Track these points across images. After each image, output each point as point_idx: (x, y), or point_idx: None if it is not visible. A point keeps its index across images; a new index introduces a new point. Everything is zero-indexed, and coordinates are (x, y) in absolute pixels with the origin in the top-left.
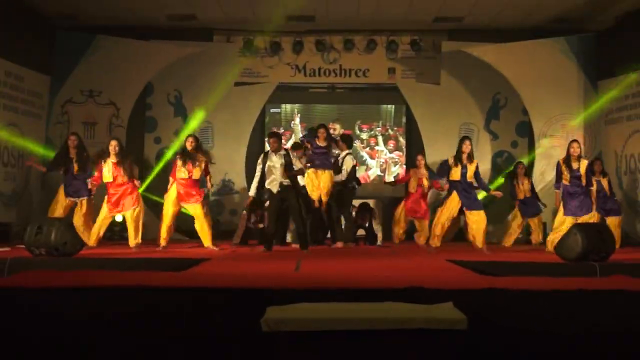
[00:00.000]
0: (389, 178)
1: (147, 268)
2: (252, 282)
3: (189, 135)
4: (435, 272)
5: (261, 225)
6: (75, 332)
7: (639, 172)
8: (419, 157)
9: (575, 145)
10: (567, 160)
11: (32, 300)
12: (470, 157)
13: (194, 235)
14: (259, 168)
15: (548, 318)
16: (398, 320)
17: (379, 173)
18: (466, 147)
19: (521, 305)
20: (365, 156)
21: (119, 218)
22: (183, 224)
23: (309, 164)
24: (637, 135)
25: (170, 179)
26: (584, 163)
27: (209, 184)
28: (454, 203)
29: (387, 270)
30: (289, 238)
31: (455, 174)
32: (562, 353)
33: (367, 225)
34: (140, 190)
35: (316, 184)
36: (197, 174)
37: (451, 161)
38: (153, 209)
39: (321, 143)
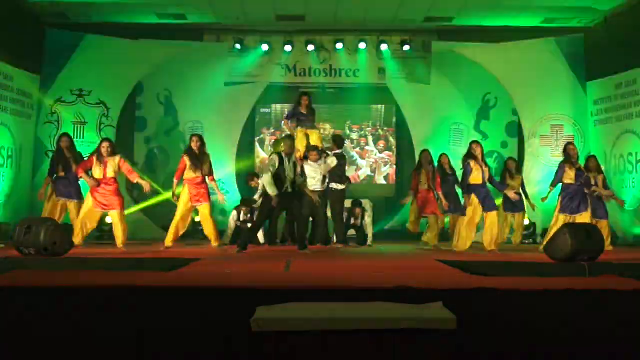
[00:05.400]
0: (380, 178)
1: (137, 268)
2: (242, 282)
3: (194, 135)
4: (424, 272)
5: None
6: (64, 331)
7: (628, 173)
8: (424, 155)
9: (573, 147)
10: (568, 160)
11: (21, 299)
12: (484, 160)
13: (183, 236)
14: (272, 169)
15: (537, 318)
16: (388, 320)
17: (369, 173)
18: (479, 149)
19: (511, 305)
20: (356, 156)
21: (109, 219)
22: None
23: (297, 126)
24: (626, 135)
25: (175, 180)
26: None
27: (219, 195)
28: (477, 209)
29: (377, 270)
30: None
31: (478, 177)
32: (551, 352)
33: (359, 221)
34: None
35: (304, 143)
36: (206, 169)
37: (472, 164)
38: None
39: (304, 111)
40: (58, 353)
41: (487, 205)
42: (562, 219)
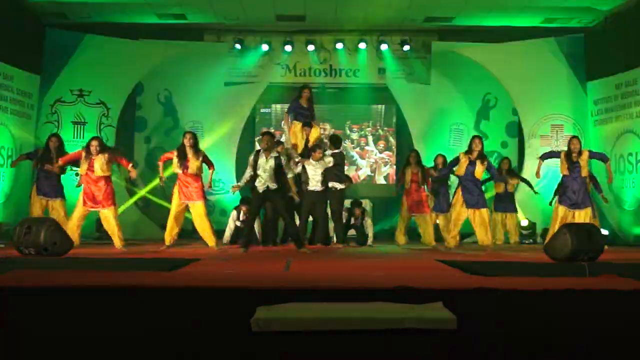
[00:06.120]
0: (379, 178)
1: (137, 268)
2: (242, 282)
3: (187, 132)
4: (424, 271)
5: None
6: (64, 331)
7: (628, 172)
8: (412, 155)
9: (575, 141)
10: (568, 154)
11: (21, 299)
12: (482, 157)
13: (183, 236)
14: (250, 167)
15: (538, 318)
16: (388, 320)
17: (369, 173)
18: (476, 146)
19: (511, 305)
20: (356, 156)
21: None
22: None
23: (295, 120)
24: (626, 135)
25: (159, 163)
26: (586, 153)
27: (209, 180)
28: (460, 203)
29: (377, 270)
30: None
31: (461, 168)
32: (551, 353)
33: (358, 221)
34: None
35: (300, 136)
36: (194, 166)
37: (461, 156)
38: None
39: (304, 104)
40: (58, 353)
41: (474, 201)
42: (561, 211)
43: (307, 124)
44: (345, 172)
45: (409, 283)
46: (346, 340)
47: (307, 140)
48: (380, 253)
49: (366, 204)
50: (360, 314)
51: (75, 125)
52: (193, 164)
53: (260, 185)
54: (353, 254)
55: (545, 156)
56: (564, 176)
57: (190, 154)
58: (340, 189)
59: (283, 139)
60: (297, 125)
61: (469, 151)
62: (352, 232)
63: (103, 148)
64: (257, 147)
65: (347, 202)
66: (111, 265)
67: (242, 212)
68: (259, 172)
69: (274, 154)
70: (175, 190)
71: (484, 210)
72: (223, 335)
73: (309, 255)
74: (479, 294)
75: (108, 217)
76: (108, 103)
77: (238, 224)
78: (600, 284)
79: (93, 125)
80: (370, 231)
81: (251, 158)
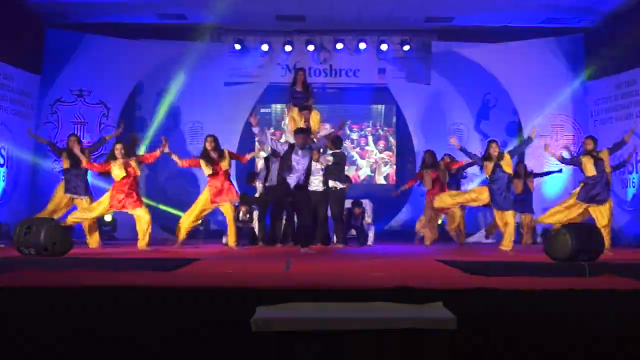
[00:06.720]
0: (379, 178)
1: (138, 268)
2: (242, 281)
3: (208, 136)
4: (424, 271)
5: (251, 225)
6: (64, 331)
7: (628, 173)
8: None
9: (588, 140)
10: (587, 153)
11: (21, 299)
12: (500, 156)
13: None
14: (279, 162)
15: (538, 318)
16: (388, 320)
17: (369, 173)
18: (494, 150)
19: (511, 305)
20: (356, 156)
21: (108, 218)
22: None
23: (293, 105)
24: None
25: (183, 161)
26: (605, 152)
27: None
28: (483, 196)
29: (377, 270)
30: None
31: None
32: (551, 352)
33: (358, 221)
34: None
35: (299, 120)
36: (225, 165)
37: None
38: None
39: (300, 88)
40: (58, 353)
41: (502, 203)
42: (573, 203)
43: (304, 107)
44: (345, 172)
45: (409, 283)
46: (346, 340)
47: (308, 125)
48: (380, 253)
49: (366, 204)
50: (360, 314)
51: (75, 125)
52: (223, 165)
53: (292, 180)
54: (353, 254)
55: (567, 162)
56: (587, 178)
57: (215, 156)
58: (341, 189)
59: (283, 139)
60: (294, 111)
61: (490, 157)
62: (352, 232)
63: (128, 152)
64: (258, 147)
65: (347, 202)
66: (111, 265)
67: (241, 212)
68: (293, 166)
69: (308, 149)
70: (206, 190)
71: (508, 213)
72: (223, 335)
73: (309, 255)
74: (479, 294)
75: (141, 216)
76: (108, 103)
77: (239, 224)
78: (600, 284)
79: (93, 125)
80: (370, 231)
81: (285, 152)
